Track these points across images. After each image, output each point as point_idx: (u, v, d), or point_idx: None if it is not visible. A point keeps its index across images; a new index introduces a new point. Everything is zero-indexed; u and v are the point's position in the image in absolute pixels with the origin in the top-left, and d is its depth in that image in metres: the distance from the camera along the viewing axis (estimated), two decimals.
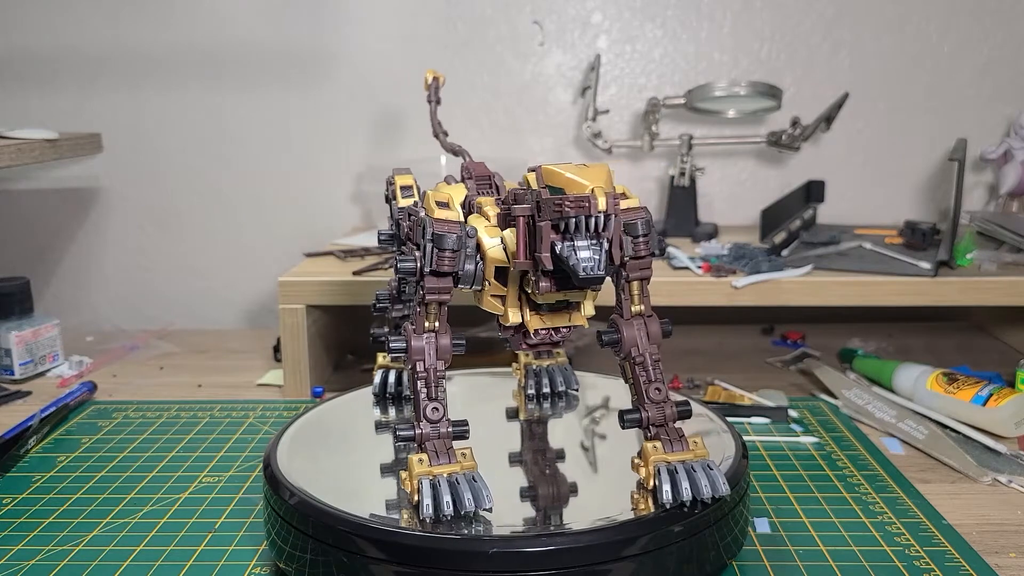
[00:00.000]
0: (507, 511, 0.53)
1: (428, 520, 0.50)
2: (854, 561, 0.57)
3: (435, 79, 0.77)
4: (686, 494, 0.50)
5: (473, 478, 0.51)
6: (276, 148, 1.19)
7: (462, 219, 0.53)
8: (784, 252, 0.95)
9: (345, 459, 0.62)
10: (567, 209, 0.46)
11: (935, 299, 0.85)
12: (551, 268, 0.48)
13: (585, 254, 0.46)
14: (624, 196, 0.53)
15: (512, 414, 0.70)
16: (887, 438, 0.78)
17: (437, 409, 0.53)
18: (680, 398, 0.54)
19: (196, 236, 1.22)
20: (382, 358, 0.75)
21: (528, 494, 0.56)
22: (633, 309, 0.53)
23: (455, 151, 0.70)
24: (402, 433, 0.52)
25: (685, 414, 0.53)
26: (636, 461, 0.54)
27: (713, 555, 0.53)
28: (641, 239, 0.51)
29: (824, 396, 0.87)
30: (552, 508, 0.54)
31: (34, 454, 0.77)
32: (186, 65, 1.16)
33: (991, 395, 0.77)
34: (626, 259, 0.52)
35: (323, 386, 0.92)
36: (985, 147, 1.08)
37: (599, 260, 0.46)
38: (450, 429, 0.53)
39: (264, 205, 1.21)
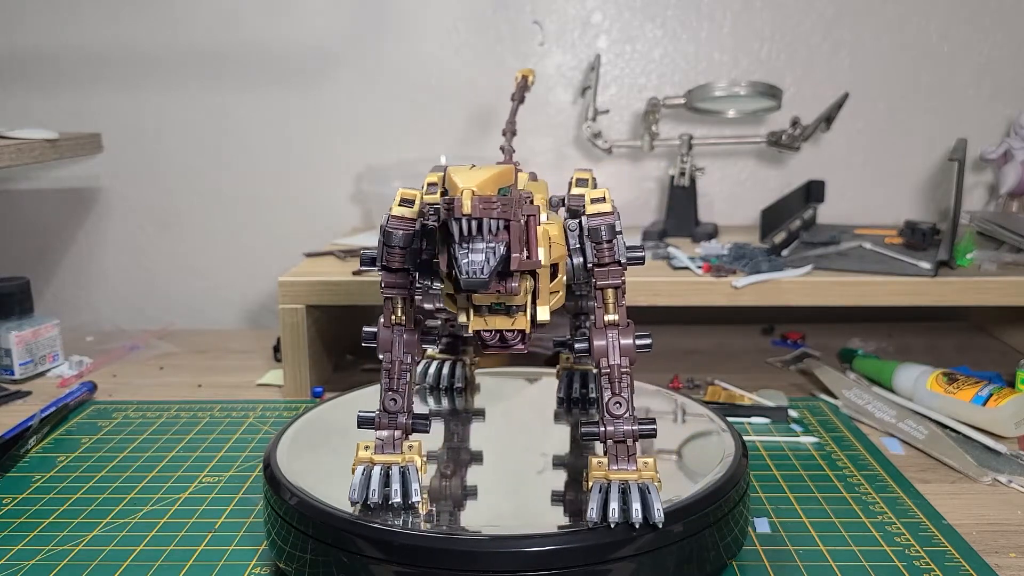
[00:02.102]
0: (505, 510, 0.53)
1: (353, 504, 0.51)
2: (854, 561, 0.57)
3: (524, 78, 0.76)
4: (613, 515, 0.48)
5: (407, 471, 0.52)
6: (276, 148, 1.19)
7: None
8: (784, 252, 0.95)
9: (346, 459, 0.61)
10: (442, 211, 0.44)
11: (935, 299, 0.85)
12: (446, 269, 0.47)
13: (476, 257, 0.43)
14: (602, 200, 0.52)
15: (544, 415, 0.70)
16: (887, 438, 0.78)
17: (395, 400, 0.54)
18: (647, 416, 0.51)
19: (196, 236, 1.22)
20: (431, 349, 0.75)
21: (556, 497, 0.56)
22: (606, 319, 0.52)
23: (502, 149, 0.70)
24: (361, 417, 0.54)
25: (648, 433, 0.51)
26: (585, 475, 0.53)
27: (713, 555, 0.53)
28: (604, 245, 0.50)
29: (824, 396, 0.87)
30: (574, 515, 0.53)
31: (34, 454, 0.77)
32: (186, 65, 1.16)
33: (991, 395, 0.77)
34: (590, 266, 0.51)
35: (323, 386, 0.92)
36: (985, 147, 1.08)
37: (484, 264, 0.43)
38: (409, 421, 0.54)
39: (264, 205, 1.21)
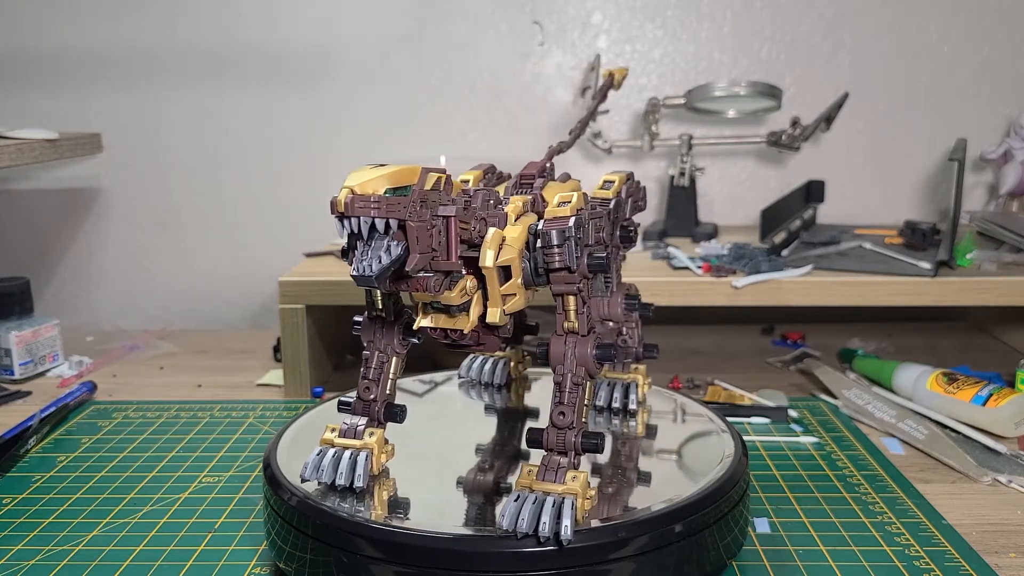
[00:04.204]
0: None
1: (304, 481, 0.54)
2: (854, 561, 0.57)
3: (611, 76, 0.75)
4: (522, 525, 0.47)
5: (357, 457, 0.54)
6: (276, 148, 1.19)
7: None
8: (784, 252, 0.95)
9: None
10: None
11: (935, 299, 0.85)
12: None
13: (369, 255, 0.44)
14: (567, 202, 0.51)
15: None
16: (887, 438, 0.78)
17: (369, 389, 0.56)
18: (595, 431, 0.50)
19: (196, 236, 1.22)
20: None
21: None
22: (565, 326, 0.51)
23: (550, 148, 0.69)
24: (341, 401, 0.57)
25: (590, 447, 0.50)
26: None
27: (713, 555, 0.53)
28: (554, 250, 0.49)
29: (824, 396, 0.87)
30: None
31: (34, 454, 0.77)
32: (186, 65, 1.16)
33: (991, 395, 0.77)
34: (541, 270, 0.50)
35: (323, 386, 0.92)
36: (985, 147, 1.08)
37: (371, 264, 0.43)
38: (381, 410, 0.56)
39: (264, 205, 1.21)
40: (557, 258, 0.49)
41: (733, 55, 1.15)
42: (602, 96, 0.74)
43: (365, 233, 0.43)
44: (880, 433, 0.79)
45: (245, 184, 1.20)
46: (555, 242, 0.48)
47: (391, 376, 0.56)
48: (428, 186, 0.46)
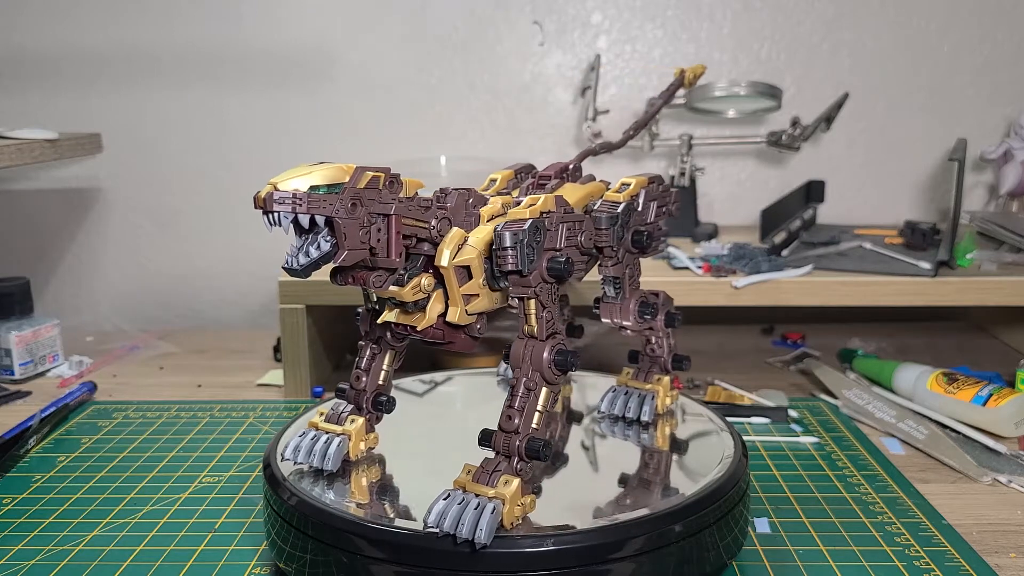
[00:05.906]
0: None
1: (284, 460, 0.57)
2: (854, 561, 0.57)
3: (681, 73, 0.74)
4: (444, 523, 0.47)
5: (331, 442, 0.56)
6: (276, 148, 1.19)
7: None
8: (784, 252, 0.95)
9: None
10: None
11: (935, 299, 0.85)
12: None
13: (302, 248, 0.46)
14: (534, 202, 0.51)
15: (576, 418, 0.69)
16: (887, 438, 0.78)
17: (360, 378, 0.58)
18: (541, 438, 0.50)
19: (196, 236, 1.22)
20: None
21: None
22: (525, 329, 0.51)
23: (590, 145, 0.68)
24: (338, 388, 0.59)
25: (532, 453, 0.49)
26: None
27: (713, 555, 0.53)
28: (507, 251, 0.48)
29: (824, 396, 0.87)
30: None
31: (34, 454, 0.77)
32: (186, 65, 1.16)
33: (991, 395, 0.77)
34: (498, 273, 0.50)
35: (323, 386, 0.92)
36: (985, 147, 1.08)
37: (298, 257, 0.46)
38: (369, 399, 0.58)
39: None
40: (509, 261, 0.48)
41: (733, 55, 1.15)
42: (669, 96, 0.72)
43: (286, 228, 0.45)
44: (880, 433, 0.79)
45: (245, 184, 1.20)
46: (507, 244, 0.48)
47: (384, 368, 0.58)
48: (362, 184, 0.46)
